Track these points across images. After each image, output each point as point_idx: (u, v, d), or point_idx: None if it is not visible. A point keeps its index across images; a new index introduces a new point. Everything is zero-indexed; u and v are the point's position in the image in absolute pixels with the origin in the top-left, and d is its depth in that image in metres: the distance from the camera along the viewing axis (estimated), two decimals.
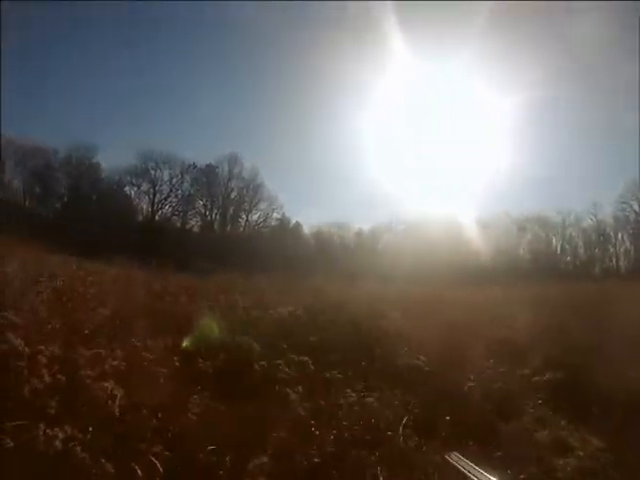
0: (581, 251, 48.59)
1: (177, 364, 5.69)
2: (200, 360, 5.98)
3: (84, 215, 41.84)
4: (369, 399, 5.46)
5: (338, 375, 6.11)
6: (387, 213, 52.56)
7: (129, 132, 63.38)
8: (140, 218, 48.52)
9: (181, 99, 65.70)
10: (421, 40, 35.30)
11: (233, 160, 50.52)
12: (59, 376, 4.57)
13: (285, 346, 6.86)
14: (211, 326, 7.30)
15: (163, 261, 21.76)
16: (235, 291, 12.62)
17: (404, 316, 10.35)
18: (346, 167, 57.77)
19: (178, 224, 50.03)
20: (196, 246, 37.56)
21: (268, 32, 45.59)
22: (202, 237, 46.44)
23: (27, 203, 46.36)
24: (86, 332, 6.54)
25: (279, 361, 6.07)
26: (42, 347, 4.81)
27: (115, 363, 5.14)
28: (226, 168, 50.89)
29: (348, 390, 5.67)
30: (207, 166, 50.77)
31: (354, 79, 47.21)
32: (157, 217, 48.91)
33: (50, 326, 6.36)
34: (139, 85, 61.49)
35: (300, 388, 5.47)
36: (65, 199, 47.51)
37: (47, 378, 4.47)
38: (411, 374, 6.67)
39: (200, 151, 58.87)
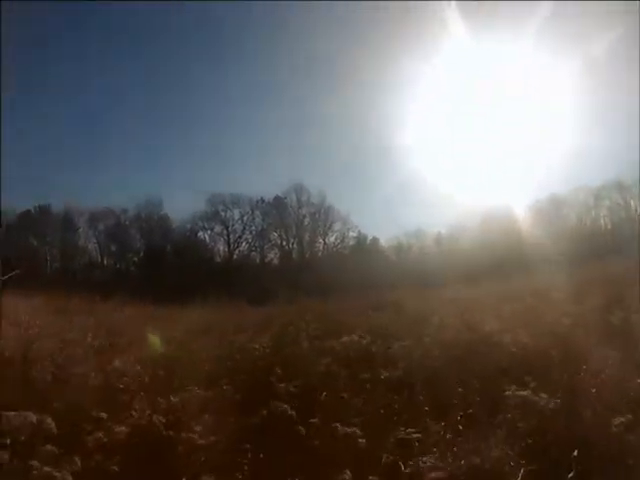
0: None
1: None
2: None
3: (162, 265, 43.22)
4: None
5: None
6: (457, 212, 49.53)
7: (189, 180, 64.38)
8: (218, 259, 49.51)
9: (235, 136, 66.27)
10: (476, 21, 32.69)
11: (299, 188, 50.85)
12: None
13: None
14: None
15: (242, 297, 21.68)
16: (304, 321, 11.77)
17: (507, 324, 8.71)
18: (404, 170, 55.76)
19: (257, 260, 50.68)
20: (275, 277, 37.29)
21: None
22: (281, 267, 46.47)
23: (105, 262, 49.40)
24: None
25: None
26: None
27: None
28: (294, 197, 51.30)
29: None
30: (275, 199, 51.34)
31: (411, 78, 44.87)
32: (235, 256, 49.76)
33: None
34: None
35: None
36: (141, 253, 49.59)
37: None
38: None
39: (264, 186, 59.25)
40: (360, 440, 4.57)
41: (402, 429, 4.88)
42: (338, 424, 4.76)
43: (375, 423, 5.16)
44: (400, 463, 4.19)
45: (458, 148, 44.73)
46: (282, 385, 6.04)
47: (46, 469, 3.38)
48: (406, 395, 5.95)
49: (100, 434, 4.43)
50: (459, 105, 41.60)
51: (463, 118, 42.87)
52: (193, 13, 52.73)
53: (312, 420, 5.14)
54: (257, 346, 8.43)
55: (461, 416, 5.15)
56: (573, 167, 41.53)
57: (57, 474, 3.35)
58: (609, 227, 45.95)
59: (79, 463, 3.76)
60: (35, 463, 3.42)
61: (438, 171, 52.33)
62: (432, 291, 18.84)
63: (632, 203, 45.73)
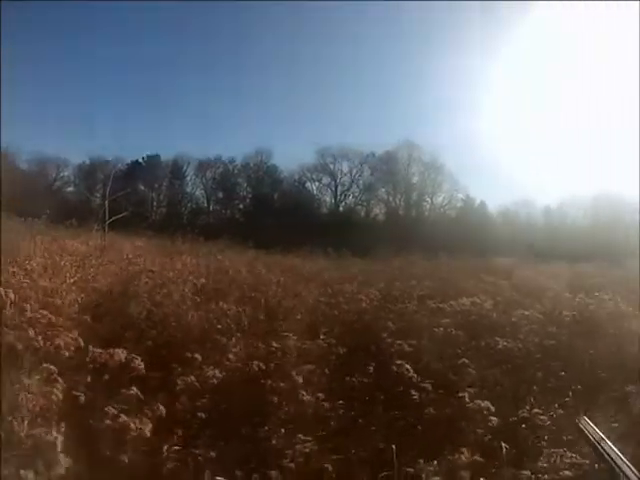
0: None
1: None
2: None
3: (268, 212, 43.86)
4: None
5: None
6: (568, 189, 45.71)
7: (300, 130, 64.19)
8: (324, 211, 49.42)
9: (341, 89, 64.71)
10: None
11: (411, 145, 48.80)
12: None
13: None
14: None
15: (346, 250, 21.27)
16: (412, 277, 10.95)
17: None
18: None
19: (362, 213, 49.96)
20: (381, 233, 36.43)
21: None
22: (387, 224, 45.45)
23: (211, 207, 50.87)
24: None
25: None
26: None
27: None
28: (405, 154, 49.47)
29: None
30: (385, 153, 49.80)
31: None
32: (341, 209, 49.47)
33: None
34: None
35: None
36: (247, 200, 50.55)
37: None
38: None
39: (376, 139, 57.51)
40: (491, 417, 3.79)
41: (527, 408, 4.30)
42: (465, 394, 4.03)
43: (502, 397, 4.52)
44: None
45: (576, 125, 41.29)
46: (398, 342, 5.31)
47: (122, 419, 2.91)
48: (530, 371, 5.33)
49: (192, 377, 3.99)
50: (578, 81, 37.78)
51: (581, 95, 39.16)
52: None
53: (426, 385, 4.52)
54: (364, 297, 7.78)
55: None
56: None
57: (134, 424, 2.88)
58: None
59: (163, 409, 3.30)
60: (110, 410, 2.97)
61: (552, 146, 50.17)
62: (541, 263, 17.80)
63: None
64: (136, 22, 53.88)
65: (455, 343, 5.81)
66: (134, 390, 3.40)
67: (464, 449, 3.51)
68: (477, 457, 3.47)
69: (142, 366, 3.66)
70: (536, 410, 4.20)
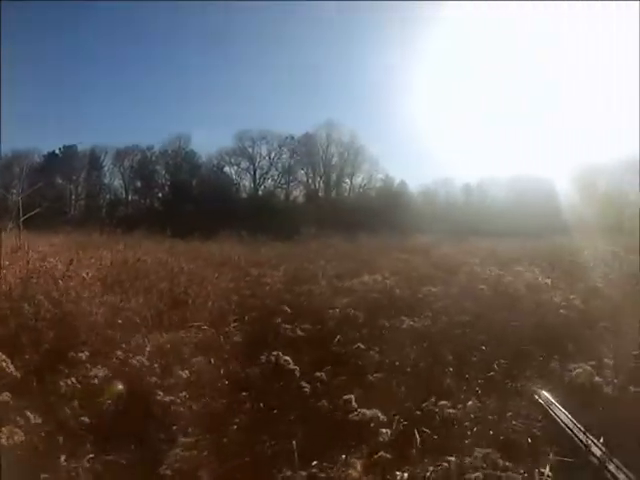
0: None
1: None
2: None
3: (187, 199, 42.91)
4: None
5: None
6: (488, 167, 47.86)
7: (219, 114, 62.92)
8: (244, 195, 48.81)
9: (261, 71, 63.94)
10: None
11: (330, 126, 48.94)
12: None
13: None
14: None
15: (266, 233, 21.24)
16: (327, 258, 11.04)
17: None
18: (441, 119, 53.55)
19: (282, 197, 49.74)
20: (300, 215, 36.51)
21: None
22: (306, 206, 45.55)
23: (130, 197, 49.30)
24: None
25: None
26: None
27: None
28: (324, 135, 49.53)
29: None
30: (304, 135, 49.80)
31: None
32: (260, 192, 49.02)
33: None
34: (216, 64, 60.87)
35: None
36: (166, 188, 49.22)
37: None
38: None
39: (296, 122, 57.17)
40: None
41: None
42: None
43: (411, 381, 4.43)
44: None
45: (494, 106, 43.22)
46: (288, 327, 5.26)
47: None
48: (430, 350, 5.19)
49: (73, 379, 3.76)
50: (500, 62, 39.37)
51: (504, 75, 41.10)
52: None
53: (319, 374, 4.31)
54: (269, 280, 7.68)
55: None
56: (610, 137, 38.85)
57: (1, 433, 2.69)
58: None
59: (33, 417, 3.08)
60: None
61: (472, 123, 52.03)
62: (461, 241, 18.07)
63: None
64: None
65: (354, 325, 5.67)
66: (6, 395, 3.18)
67: (364, 446, 3.26)
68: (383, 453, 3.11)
69: (13, 368, 3.41)
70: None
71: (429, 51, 47.91)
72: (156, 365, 4.25)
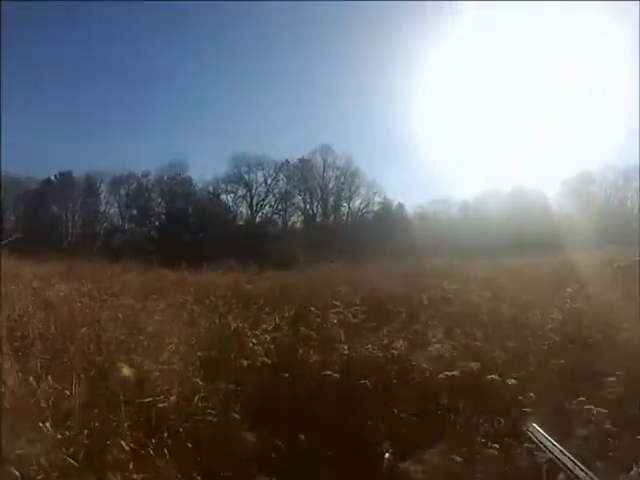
0: None
1: None
2: None
3: (183, 228, 42.54)
4: None
5: None
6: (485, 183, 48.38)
7: (215, 142, 62.90)
8: (241, 222, 48.44)
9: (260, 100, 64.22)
10: None
11: (325, 150, 48.98)
12: None
13: None
14: None
15: (263, 261, 20.83)
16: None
17: None
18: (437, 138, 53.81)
19: (280, 223, 49.54)
20: (298, 241, 36.10)
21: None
22: (304, 231, 45.14)
23: (126, 226, 48.90)
24: None
25: None
26: None
27: None
28: (319, 159, 49.53)
29: None
30: (300, 161, 49.69)
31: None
32: (258, 219, 48.69)
33: None
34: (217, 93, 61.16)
35: None
36: (162, 216, 48.66)
37: None
38: None
39: (291, 148, 57.08)
40: None
41: None
42: None
43: None
44: None
45: (488, 120, 43.13)
46: None
47: None
48: None
49: None
50: (491, 78, 39.39)
51: (495, 90, 41.06)
52: None
53: None
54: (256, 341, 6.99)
55: None
56: (603, 145, 38.89)
57: None
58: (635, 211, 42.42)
59: None
60: None
61: (466, 142, 50.02)
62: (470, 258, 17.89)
63: None
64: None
65: None
66: None
67: None
68: None
69: None
70: None
71: (423, 64, 48.15)
72: None
